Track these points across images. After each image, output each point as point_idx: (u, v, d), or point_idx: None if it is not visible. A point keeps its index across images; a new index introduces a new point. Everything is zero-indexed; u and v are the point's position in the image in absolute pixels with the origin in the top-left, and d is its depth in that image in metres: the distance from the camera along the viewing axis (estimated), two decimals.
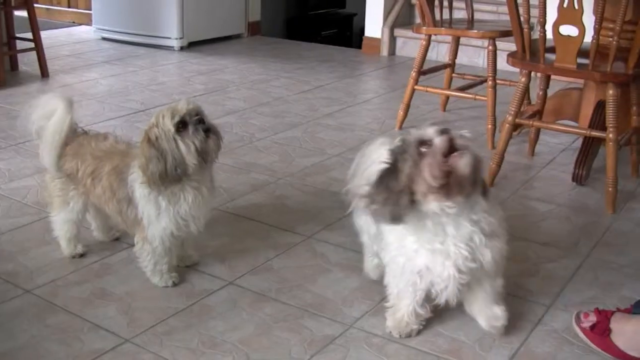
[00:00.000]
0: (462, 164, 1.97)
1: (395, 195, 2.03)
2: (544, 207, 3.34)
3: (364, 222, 2.47)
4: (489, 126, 4.17)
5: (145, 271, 2.60)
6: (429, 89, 4.42)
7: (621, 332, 2.23)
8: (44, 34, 5.69)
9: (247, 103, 4.94)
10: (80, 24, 7.77)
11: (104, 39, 6.96)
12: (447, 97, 4.84)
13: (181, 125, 2.37)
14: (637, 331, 2.19)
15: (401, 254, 2.19)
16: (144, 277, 2.62)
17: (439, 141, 1.98)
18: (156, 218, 2.47)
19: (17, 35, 5.48)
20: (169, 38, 6.59)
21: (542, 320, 2.44)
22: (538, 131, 4.01)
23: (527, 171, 3.81)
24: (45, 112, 2.63)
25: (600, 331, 2.26)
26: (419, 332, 2.32)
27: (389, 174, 2.05)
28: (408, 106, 4.41)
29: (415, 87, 4.36)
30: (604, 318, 2.27)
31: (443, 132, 1.99)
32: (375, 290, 2.54)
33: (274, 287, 2.61)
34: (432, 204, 2.02)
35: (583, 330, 2.30)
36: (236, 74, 5.79)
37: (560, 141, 4.25)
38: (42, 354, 2.19)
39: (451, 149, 1.97)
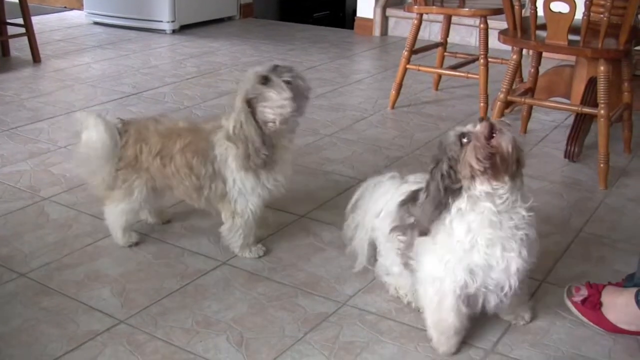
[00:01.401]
0: (504, 141, 1.99)
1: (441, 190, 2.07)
2: (536, 184, 3.35)
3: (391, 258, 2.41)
4: (482, 104, 4.18)
5: (233, 248, 2.66)
6: (421, 68, 4.42)
7: (612, 305, 2.25)
8: (35, 19, 5.68)
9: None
10: (71, 9, 7.74)
11: (96, 23, 6.94)
12: (440, 76, 4.84)
13: (264, 80, 2.43)
14: (628, 304, 2.20)
15: (451, 251, 2.09)
16: (138, 259, 2.63)
17: (479, 127, 2.01)
18: (252, 190, 2.52)
19: (8, 20, 5.46)
20: (161, 21, 6.57)
21: (535, 296, 2.46)
22: (530, 109, 4.01)
23: None
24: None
25: (592, 305, 2.27)
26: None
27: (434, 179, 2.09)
28: (400, 85, 4.41)
29: (408, 66, 4.36)
30: (595, 292, 2.29)
31: (481, 120, 2.03)
32: (368, 269, 2.55)
33: (268, 266, 2.62)
34: (481, 186, 2.02)
35: (574, 304, 2.32)
36: (228, 56, 5.78)
37: (552, 118, 4.26)
38: (37, 336, 2.20)
39: (491, 132, 2.00)
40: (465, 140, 2.01)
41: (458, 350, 2.18)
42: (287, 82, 2.42)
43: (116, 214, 2.70)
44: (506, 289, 2.11)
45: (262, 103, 2.43)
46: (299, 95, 2.46)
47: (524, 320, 2.31)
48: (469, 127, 2.04)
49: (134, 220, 2.77)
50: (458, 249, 2.07)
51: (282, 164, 2.55)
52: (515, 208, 2.06)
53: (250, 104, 2.44)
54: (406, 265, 2.29)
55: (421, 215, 2.12)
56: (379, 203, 2.44)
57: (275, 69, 2.44)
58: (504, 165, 2.00)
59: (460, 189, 2.05)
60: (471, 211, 2.05)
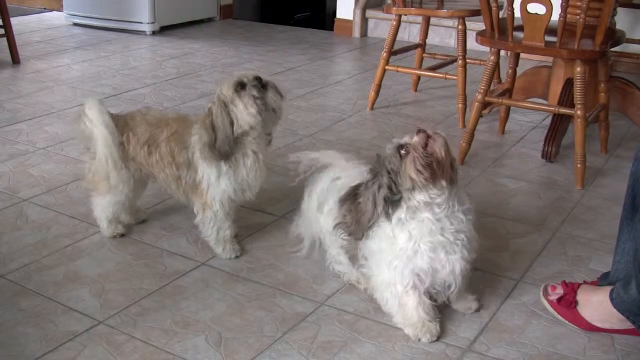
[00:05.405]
0: (437, 146, 2.08)
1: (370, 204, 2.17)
2: (514, 184, 3.38)
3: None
4: (460, 105, 4.20)
5: (208, 241, 2.68)
6: (400, 69, 4.44)
7: (587, 303, 2.27)
8: (14, 21, 5.65)
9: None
10: (51, 10, 7.72)
11: (76, 24, 6.92)
12: (419, 77, 4.86)
13: (240, 87, 2.47)
14: (603, 302, 2.22)
15: (397, 258, 2.18)
16: (117, 260, 2.64)
17: (417, 139, 2.09)
18: (216, 180, 2.55)
19: None
20: (141, 23, 6.56)
21: (512, 295, 2.48)
22: (508, 110, 4.04)
23: (497, 149, 3.84)
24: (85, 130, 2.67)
25: (568, 303, 2.29)
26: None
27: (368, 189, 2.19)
28: (379, 87, 4.43)
29: (387, 67, 4.37)
30: (571, 290, 2.31)
31: (419, 132, 2.11)
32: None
33: (246, 267, 2.63)
34: (420, 196, 2.10)
35: (551, 302, 2.34)
36: (208, 58, 5.79)
37: (530, 119, 4.29)
38: (16, 337, 2.20)
39: (427, 142, 2.09)
40: (403, 152, 2.10)
41: (440, 334, 2.24)
42: (257, 99, 2.47)
43: (103, 206, 2.75)
44: (453, 288, 2.22)
45: (232, 107, 2.48)
46: (269, 112, 2.52)
47: (472, 310, 2.37)
48: (406, 139, 2.12)
49: (121, 213, 2.79)
50: (402, 256, 2.17)
51: (251, 168, 2.56)
52: (454, 213, 2.16)
53: (225, 103, 2.48)
54: (353, 258, 2.38)
55: (354, 224, 2.23)
56: (317, 198, 2.54)
57: (255, 80, 2.47)
58: (441, 171, 2.09)
59: (400, 200, 2.14)
60: (411, 220, 2.15)
